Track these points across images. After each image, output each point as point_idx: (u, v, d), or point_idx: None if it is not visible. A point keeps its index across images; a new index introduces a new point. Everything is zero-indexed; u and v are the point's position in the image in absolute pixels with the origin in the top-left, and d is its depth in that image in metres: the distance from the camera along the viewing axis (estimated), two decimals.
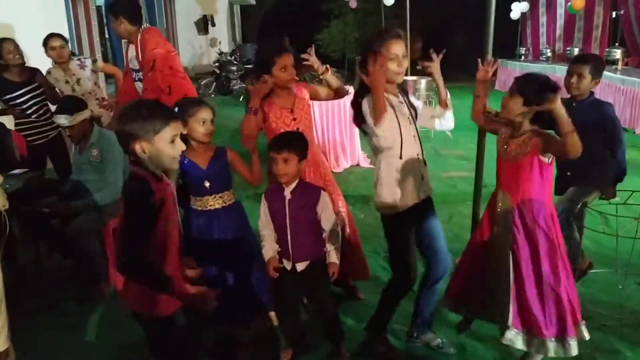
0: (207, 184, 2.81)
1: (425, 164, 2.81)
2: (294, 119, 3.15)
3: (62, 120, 3.52)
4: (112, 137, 3.81)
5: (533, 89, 2.52)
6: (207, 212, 2.85)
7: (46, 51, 4.68)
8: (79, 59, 4.88)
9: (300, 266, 2.75)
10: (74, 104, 3.60)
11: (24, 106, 4.51)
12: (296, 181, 2.70)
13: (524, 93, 2.54)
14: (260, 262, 2.84)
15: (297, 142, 2.68)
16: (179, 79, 4.14)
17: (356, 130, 6.92)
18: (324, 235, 2.74)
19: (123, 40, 4.35)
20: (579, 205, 3.36)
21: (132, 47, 4.20)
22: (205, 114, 2.75)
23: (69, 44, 4.91)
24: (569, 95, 3.45)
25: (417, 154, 2.75)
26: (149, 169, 2.00)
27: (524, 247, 2.63)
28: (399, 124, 2.67)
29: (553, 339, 2.60)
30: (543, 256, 2.61)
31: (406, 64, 2.71)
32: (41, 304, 3.60)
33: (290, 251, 2.73)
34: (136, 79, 4.30)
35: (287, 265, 2.76)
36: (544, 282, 2.61)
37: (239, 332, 2.95)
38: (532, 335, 2.62)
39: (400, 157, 2.68)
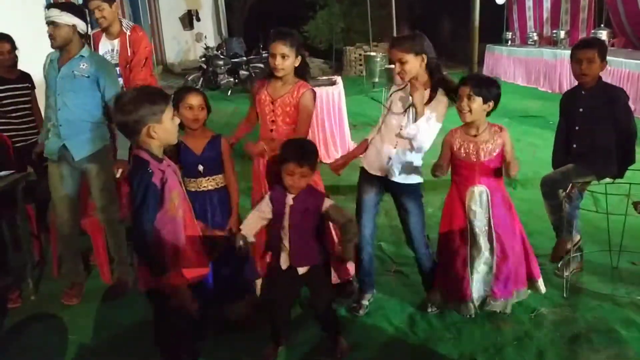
0: (200, 168, 2.93)
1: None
2: (273, 111, 3.12)
3: (50, 12, 3.29)
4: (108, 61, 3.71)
5: (487, 87, 2.86)
6: (201, 193, 2.95)
7: None
8: None
9: (302, 270, 2.73)
10: (71, 6, 3.45)
11: (3, 102, 4.44)
12: None
13: (482, 94, 2.83)
14: None
15: (315, 156, 2.69)
16: (151, 76, 4.38)
17: (346, 121, 6.90)
18: (336, 228, 2.77)
19: (92, 34, 4.31)
20: (568, 182, 3.36)
21: (110, 41, 4.19)
22: (192, 99, 2.88)
23: None
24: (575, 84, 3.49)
25: (391, 139, 3.05)
26: (151, 152, 2.16)
27: (500, 226, 2.96)
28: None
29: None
30: (510, 227, 3.02)
31: (403, 67, 2.95)
32: (31, 305, 3.57)
33: (283, 254, 2.71)
34: None
35: (284, 263, 2.72)
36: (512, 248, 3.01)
37: (232, 309, 3.02)
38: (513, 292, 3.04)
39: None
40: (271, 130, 3.13)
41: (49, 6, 3.34)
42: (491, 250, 2.98)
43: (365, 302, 3.26)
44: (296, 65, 3.08)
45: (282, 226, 2.68)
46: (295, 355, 2.90)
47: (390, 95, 3.17)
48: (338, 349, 2.86)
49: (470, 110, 2.85)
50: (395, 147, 3.02)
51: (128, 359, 3.00)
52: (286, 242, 2.69)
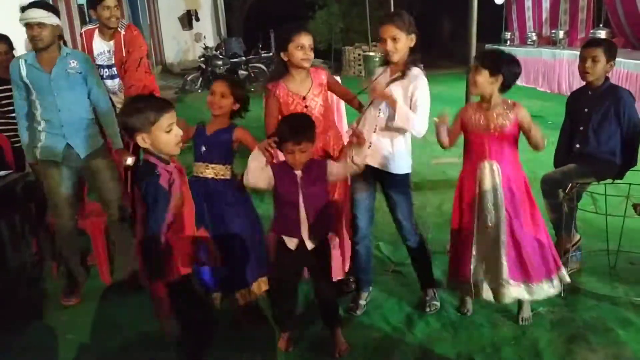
0: (203, 148, 2.98)
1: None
2: (306, 107, 3.09)
3: (36, 13, 3.20)
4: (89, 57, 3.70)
5: (493, 60, 2.83)
6: (198, 179, 3.00)
7: None
8: None
9: (311, 244, 2.74)
10: (52, 6, 3.40)
11: (2, 102, 4.43)
12: None
13: (486, 66, 2.81)
14: (258, 240, 3.03)
15: (311, 129, 2.68)
16: (147, 75, 4.29)
17: (345, 121, 6.89)
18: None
19: (83, 32, 4.28)
20: (568, 181, 3.36)
21: (106, 42, 4.18)
22: (214, 86, 2.99)
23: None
24: (583, 84, 3.50)
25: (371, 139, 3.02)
26: (157, 155, 2.23)
27: (511, 205, 2.88)
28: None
29: (543, 280, 2.90)
30: (524, 210, 2.91)
31: (395, 45, 2.93)
32: (30, 305, 3.58)
33: (302, 229, 2.71)
34: (104, 76, 4.22)
35: (291, 244, 2.75)
36: (525, 233, 2.90)
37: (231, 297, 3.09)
38: (528, 283, 2.88)
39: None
40: None
41: (31, 5, 3.27)
42: (499, 230, 2.87)
43: (362, 302, 3.26)
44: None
45: (296, 201, 2.69)
46: (293, 354, 2.91)
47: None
48: (337, 348, 2.86)
49: (476, 83, 2.85)
50: (375, 133, 3.02)
51: (127, 359, 3.00)
52: (302, 216, 2.69)
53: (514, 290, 2.86)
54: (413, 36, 2.96)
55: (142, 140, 2.19)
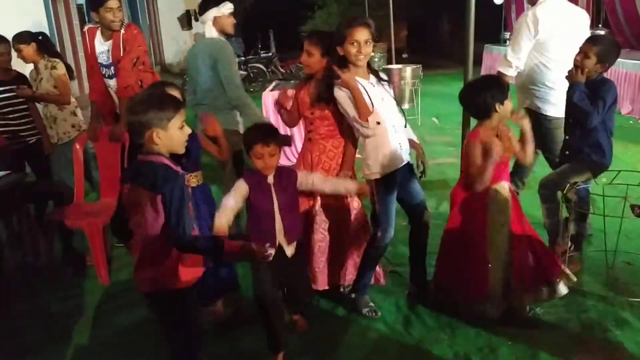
0: (184, 160, 2.92)
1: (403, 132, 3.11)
2: (312, 113, 3.14)
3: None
4: None
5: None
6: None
7: None
8: (49, 60, 4.50)
9: (290, 250, 2.79)
10: None
11: (1, 104, 4.42)
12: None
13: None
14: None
15: (277, 132, 2.70)
16: (149, 74, 4.18)
17: None
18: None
19: (85, 30, 4.22)
20: (566, 182, 3.37)
21: (104, 41, 4.16)
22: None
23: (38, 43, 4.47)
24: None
25: (393, 126, 2.99)
26: (167, 157, 2.17)
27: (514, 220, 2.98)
28: (372, 104, 2.88)
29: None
30: (521, 222, 3.00)
31: (368, 49, 2.89)
32: (29, 306, 3.56)
33: (279, 236, 2.73)
34: (106, 75, 4.20)
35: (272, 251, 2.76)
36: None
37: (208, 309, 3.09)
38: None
39: (379, 133, 2.93)
40: (310, 131, 3.16)
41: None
42: None
43: (372, 304, 3.26)
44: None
45: (271, 209, 2.70)
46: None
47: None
48: (299, 326, 3.04)
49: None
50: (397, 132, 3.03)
51: (127, 359, 3.01)
52: (278, 223, 2.71)
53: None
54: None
55: (157, 136, 2.11)
